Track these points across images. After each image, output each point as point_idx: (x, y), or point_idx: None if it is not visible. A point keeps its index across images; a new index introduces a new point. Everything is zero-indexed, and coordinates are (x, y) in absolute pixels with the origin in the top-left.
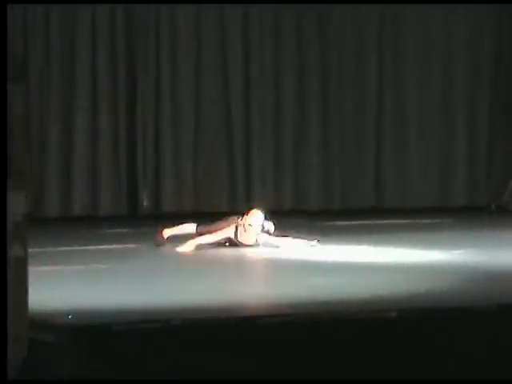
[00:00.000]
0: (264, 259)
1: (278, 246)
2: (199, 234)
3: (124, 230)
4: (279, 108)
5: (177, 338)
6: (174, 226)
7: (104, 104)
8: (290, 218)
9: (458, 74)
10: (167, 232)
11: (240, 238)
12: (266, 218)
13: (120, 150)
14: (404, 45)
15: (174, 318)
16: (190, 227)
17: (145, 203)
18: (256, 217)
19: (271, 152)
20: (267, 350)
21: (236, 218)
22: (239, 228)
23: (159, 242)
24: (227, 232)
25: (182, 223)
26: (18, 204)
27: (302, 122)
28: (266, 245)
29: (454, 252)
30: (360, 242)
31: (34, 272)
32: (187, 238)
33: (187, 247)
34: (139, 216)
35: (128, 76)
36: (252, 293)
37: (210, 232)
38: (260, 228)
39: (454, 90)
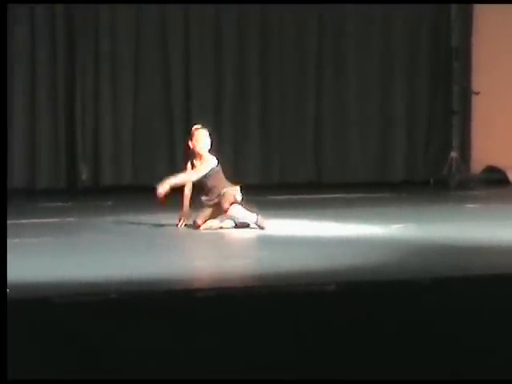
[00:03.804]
0: (204, 234)
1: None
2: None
3: (62, 204)
4: (219, 83)
5: (114, 312)
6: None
7: (42, 77)
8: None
9: (397, 50)
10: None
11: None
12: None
13: (58, 123)
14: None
15: (111, 291)
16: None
17: (83, 176)
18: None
19: (210, 125)
20: (206, 323)
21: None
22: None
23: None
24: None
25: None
26: None
27: (241, 98)
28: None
29: (393, 226)
30: (299, 217)
31: None
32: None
33: (163, 187)
34: (78, 189)
35: (66, 50)
36: (190, 266)
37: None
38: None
39: (393, 66)
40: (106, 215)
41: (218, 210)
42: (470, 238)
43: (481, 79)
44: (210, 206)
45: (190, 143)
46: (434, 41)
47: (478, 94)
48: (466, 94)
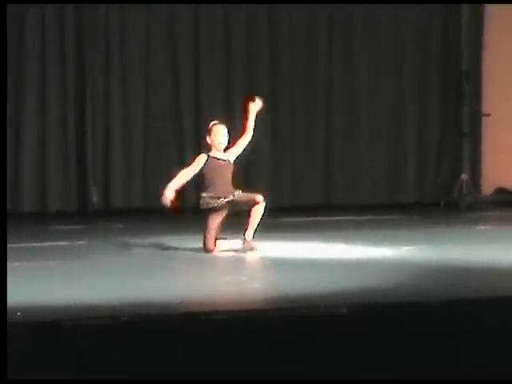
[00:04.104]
0: (213, 256)
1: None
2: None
3: (73, 227)
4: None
5: (125, 335)
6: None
7: (53, 100)
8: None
9: (407, 73)
10: (172, 187)
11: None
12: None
13: (69, 147)
14: (355, 37)
15: (122, 314)
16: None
17: (94, 199)
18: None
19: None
20: (216, 346)
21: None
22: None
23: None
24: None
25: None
26: None
27: None
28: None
29: (404, 248)
30: (311, 239)
31: None
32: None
33: (168, 194)
34: (88, 212)
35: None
36: (201, 289)
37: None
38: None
39: (404, 89)
40: (116, 238)
41: (223, 214)
42: (480, 260)
43: (491, 101)
44: (215, 209)
45: (207, 138)
46: (444, 56)
47: (488, 115)
48: (477, 116)
